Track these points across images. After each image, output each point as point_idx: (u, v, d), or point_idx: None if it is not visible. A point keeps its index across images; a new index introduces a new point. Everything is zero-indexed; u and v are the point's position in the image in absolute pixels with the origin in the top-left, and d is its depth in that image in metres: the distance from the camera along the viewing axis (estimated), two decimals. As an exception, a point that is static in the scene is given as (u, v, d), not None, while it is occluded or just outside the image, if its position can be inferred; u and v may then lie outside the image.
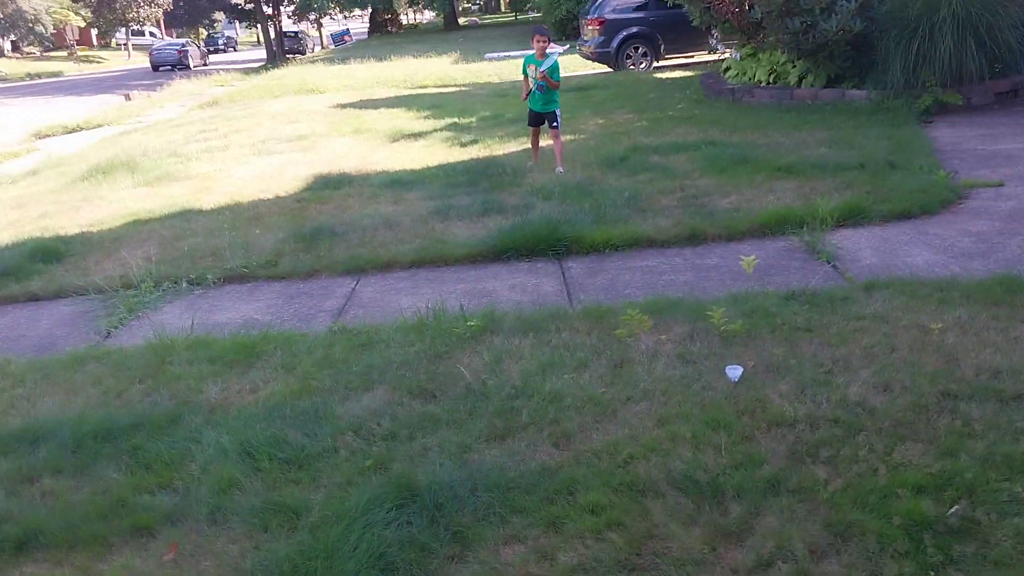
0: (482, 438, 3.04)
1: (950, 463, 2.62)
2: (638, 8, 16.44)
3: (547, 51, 7.35)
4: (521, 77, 7.76)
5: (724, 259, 4.91)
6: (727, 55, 12.94)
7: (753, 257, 4.36)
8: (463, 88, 16.18)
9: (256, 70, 29.69)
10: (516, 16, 50.79)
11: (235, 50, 57.29)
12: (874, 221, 5.29)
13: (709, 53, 15.88)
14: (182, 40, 47.42)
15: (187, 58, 41.31)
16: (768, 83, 10.36)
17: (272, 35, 41.46)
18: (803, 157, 6.85)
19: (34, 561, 2.60)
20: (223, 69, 30.36)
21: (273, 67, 30.33)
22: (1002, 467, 2.58)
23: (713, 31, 12.75)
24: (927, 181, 5.85)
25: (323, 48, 49.95)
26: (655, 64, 16.50)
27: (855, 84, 9.19)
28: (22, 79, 37.84)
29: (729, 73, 11.61)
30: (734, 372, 3.34)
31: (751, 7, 9.47)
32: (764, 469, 2.68)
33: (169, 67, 39.82)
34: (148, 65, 41.97)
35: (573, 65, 17.82)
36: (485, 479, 2.73)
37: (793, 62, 9.92)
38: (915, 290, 4.02)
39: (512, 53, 22.07)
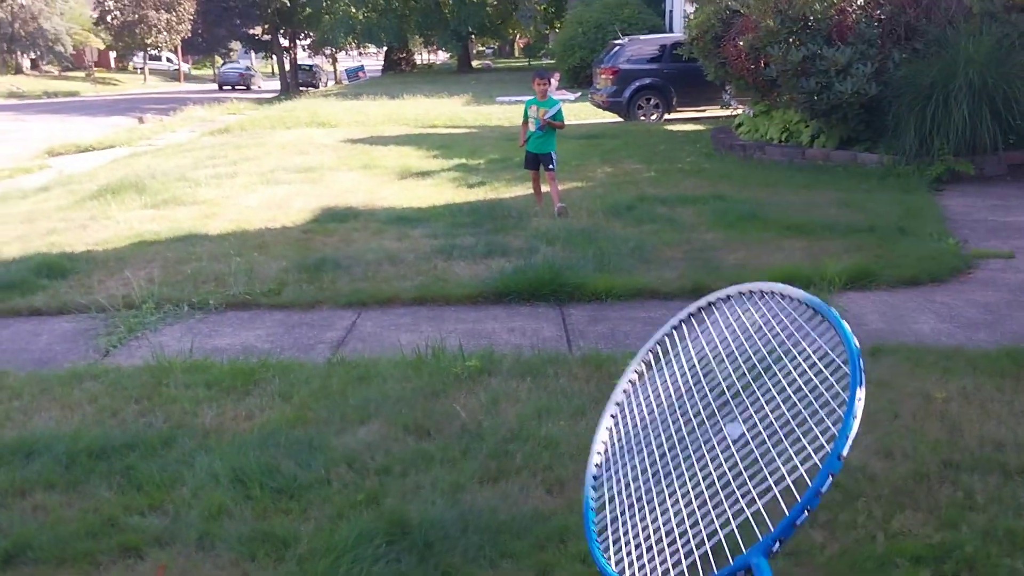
0: (475, 479, 3.01)
1: (950, 535, 2.58)
2: (652, 60, 16.68)
3: (553, 95, 7.48)
4: (521, 122, 7.84)
5: (728, 313, 4.90)
6: (740, 111, 13.10)
7: (757, 313, 4.35)
8: (473, 130, 16.35)
9: (269, 100, 30.03)
10: (529, 62, 51.53)
11: (249, 88, 58.11)
12: (882, 285, 5.29)
13: (721, 108, 16.09)
14: (245, 64, 53.96)
15: (248, 79, 48.71)
16: (780, 141, 10.47)
17: (287, 67, 42.03)
18: (813, 217, 6.89)
19: (20, 577, 2.56)
20: (236, 98, 30.71)
21: (286, 98, 30.67)
22: (1004, 542, 2.55)
23: (727, 87, 12.93)
24: (936, 249, 5.88)
25: (336, 83, 50.56)
26: (666, 116, 16.68)
27: (868, 147, 9.29)
28: (39, 96, 38.25)
29: (741, 129, 11.75)
30: (734, 430, 3.31)
31: (767, 65, 9.61)
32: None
33: (230, 87, 46.91)
34: (163, 90, 42.61)
35: (584, 113, 18.02)
36: (476, 520, 2.70)
37: (806, 122, 10.04)
38: (920, 357, 4.01)
39: (523, 98, 22.24)
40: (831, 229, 6.48)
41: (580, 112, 18.03)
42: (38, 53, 49.61)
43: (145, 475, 3.07)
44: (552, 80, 7.82)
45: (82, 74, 50.51)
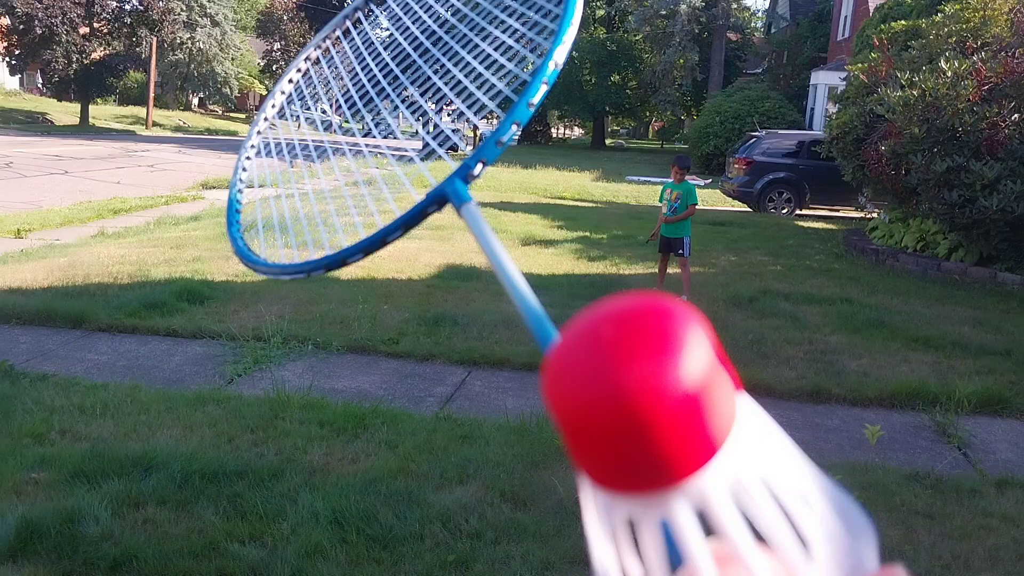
0: (566, 559, 2.98)
1: None
2: (788, 155, 16.47)
3: (685, 180, 7.51)
4: (659, 204, 7.86)
5: (846, 423, 4.72)
6: (875, 215, 12.73)
7: (878, 427, 4.17)
8: (599, 205, 16.50)
9: (410, 159, 31.25)
10: (662, 144, 51.79)
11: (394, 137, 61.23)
12: (1015, 414, 4.97)
13: (856, 210, 15.66)
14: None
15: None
16: (915, 250, 10.09)
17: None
18: (943, 332, 6.57)
19: (124, 585, 2.70)
20: (381, 152, 32.13)
21: (426, 158, 31.86)
22: None
23: (864, 189, 12.62)
24: (1079, 383, 5.48)
25: (473, 147, 52.30)
26: (797, 211, 16.37)
27: (1009, 267, 8.83)
28: (201, 133, 41.22)
29: (875, 233, 11.40)
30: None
31: (907, 172, 9.34)
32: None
33: None
34: (315, 138, 45.50)
35: (713, 200, 17.91)
36: (564, 601, 2.66)
37: (944, 234, 9.65)
38: (1053, 496, 3.73)
39: (653, 179, 22.43)
40: (963, 348, 6.16)
41: (709, 199, 17.94)
42: (207, 93, 53.68)
43: (250, 504, 3.19)
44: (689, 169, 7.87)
45: (243, 116, 54.21)
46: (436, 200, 0.79)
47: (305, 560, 2.85)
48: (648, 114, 50.69)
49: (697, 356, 0.41)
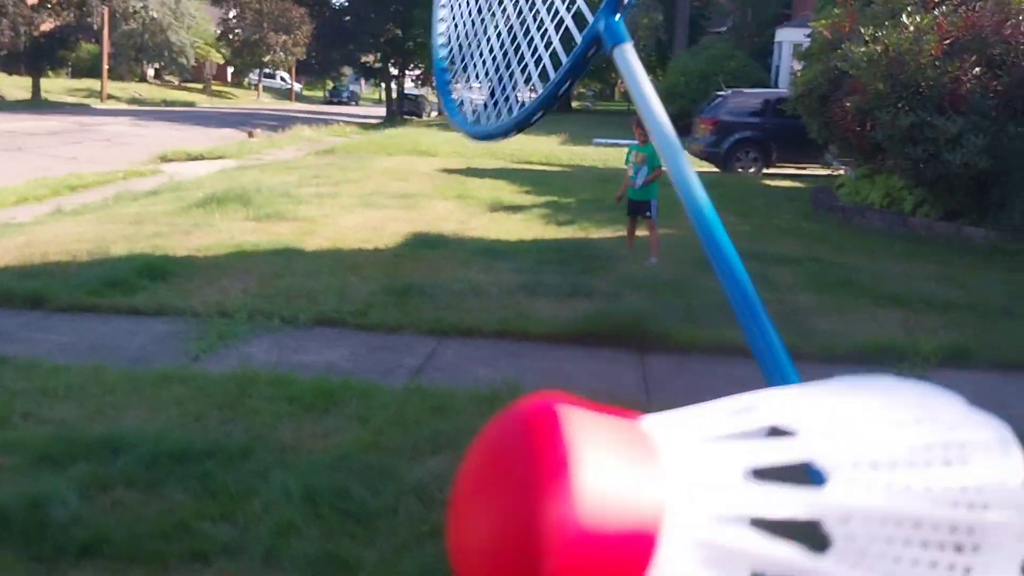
0: (543, 525, 2.97)
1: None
2: (754, 113, 16.49)
3: (649, 142, 7.47)
4: (625, 166, 7.81)
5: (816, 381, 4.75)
6: (841, 172, 12.81)
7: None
8: (567, 169, 16.42)
9: (374, 126, 30.92)
10: (629, 106, 51.63)
11: (356, 104, 60.12)
12: (980, 366, 5.05)
13: (823, 167, 15.74)
14: (353, 87, 64.59)
15: (355, 97, 60.88)
16: (881, 207, 10.18)
17: (394, 95, 43.32)
18: (910, 289, 6.65)
19: (95, 569, 2.64)
20: (343, 120, 31.69)
21: (390, 126, 31.51)
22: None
23: (830, 146, 12.67)
24: (1042, 333, 5.58)
25: (439, 114, 51.77)
26: (764, 170, 16.43)
27: (973, 221, 8.94)
28: (158, 104, 40.30)
29: (842, 191, 11.47)
30: None
31: (873, 128, 9.37)
32: None
33: (337, 100, 58.00)
34: (274, 107, 44.67)
35: (681, 162, 17.92)
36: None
37: (910, 189, 9.74)
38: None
39: (620, 141, 22.32)
40: (928, 303, 6.24)
41: (676, 160, 17.92)
42: (162, 64, 52.37)
43: (220, 484, 3.15)
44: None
45: (200, 86, 53.02)
46: (592, 41, 0.73)
47: (278, 538, 2.82)
48: (614, 76, 50.42)
49: (587, 471, 0.36)
